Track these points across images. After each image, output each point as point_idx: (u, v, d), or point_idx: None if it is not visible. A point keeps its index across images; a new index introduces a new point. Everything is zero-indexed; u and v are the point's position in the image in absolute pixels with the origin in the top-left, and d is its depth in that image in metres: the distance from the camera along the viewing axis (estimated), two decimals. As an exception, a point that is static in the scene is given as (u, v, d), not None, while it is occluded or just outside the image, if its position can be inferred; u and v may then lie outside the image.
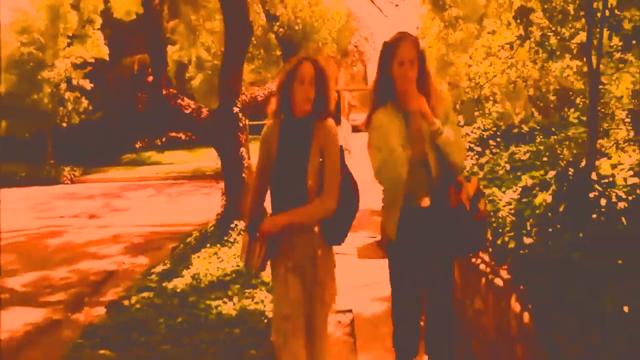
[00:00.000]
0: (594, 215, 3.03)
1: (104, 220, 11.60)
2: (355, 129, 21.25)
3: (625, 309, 2.54)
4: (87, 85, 21.14)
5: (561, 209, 3.10)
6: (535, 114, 6.61)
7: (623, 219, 3.02)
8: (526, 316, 2.78)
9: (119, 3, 11.35)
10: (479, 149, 6.42)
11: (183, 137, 27.16)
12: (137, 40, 22.23)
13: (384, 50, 2.74)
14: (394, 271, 2.86)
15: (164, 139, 26.39)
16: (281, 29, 10.43)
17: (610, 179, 3.39)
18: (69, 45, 19.85)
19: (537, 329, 2.68)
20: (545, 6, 3.44)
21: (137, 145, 25.74)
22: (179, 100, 6.36)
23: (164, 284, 4.88)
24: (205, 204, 11.94)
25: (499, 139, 6.36)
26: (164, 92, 6.29)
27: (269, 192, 2.78)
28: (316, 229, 2.65)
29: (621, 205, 3.11)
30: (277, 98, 2.69)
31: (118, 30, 20.27)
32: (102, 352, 3.50)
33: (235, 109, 6.49)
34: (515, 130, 6.45)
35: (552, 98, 4.51)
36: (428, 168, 2.70)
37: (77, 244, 9.08)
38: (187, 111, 6.31)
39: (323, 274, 2.67)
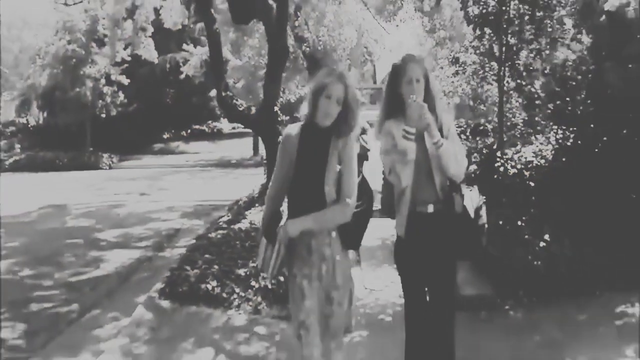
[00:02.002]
0: (495, 176, 5.31)
1: (153, 197, 13.22)
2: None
3: (500, 222, 4.84)
4: (124, 80, 22.95)
5: (478, 172, 5.37)
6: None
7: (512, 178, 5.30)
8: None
9: (168, 16, 13.56)
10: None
11: (206, 129, 29.26)
12: (169, 40, 24.44)
13: (394, 71, 2.98)
14: (402, 269, 3.08)
15: (189, 131, 28.18)
16: (307, 48, 13.01)
17: (516, 155, 5.67)
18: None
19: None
20: (477, 52, 5.73)
21: (166, 136, 27.52)
22: (234, 101, 8.70)
23: (231, 226, 7.17)
24: (236, 186, 13.51)
25: (468, 134, 8.63)
26: (223, 93, 8.60)
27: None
28: (334, 233, 2.75)
29: (513, 171, 5.38)
30: (308, 104, 2.77)
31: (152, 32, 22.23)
32: (206, 256, 5.79)
33: (275, 108, 8.76)
34: (481, 127, 8.72)
35: (484, 107, 6.64)
36: (432, 177, 2.91)
37: (140, 212, 10.77)
38: (241, 109, 8.64)
39: (341, 278, 2.75)
